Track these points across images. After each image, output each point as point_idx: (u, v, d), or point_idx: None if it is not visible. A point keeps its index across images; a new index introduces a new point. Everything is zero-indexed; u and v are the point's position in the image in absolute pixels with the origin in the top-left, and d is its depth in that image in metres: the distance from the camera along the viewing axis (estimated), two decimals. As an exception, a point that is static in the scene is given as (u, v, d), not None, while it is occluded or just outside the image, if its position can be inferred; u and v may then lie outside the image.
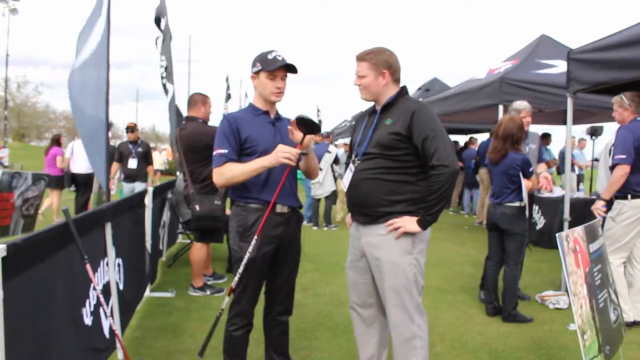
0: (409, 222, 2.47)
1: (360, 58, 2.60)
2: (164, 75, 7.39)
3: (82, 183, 8.65)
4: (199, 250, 4.81)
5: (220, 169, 2.61)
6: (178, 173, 6.12)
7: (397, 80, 2.62)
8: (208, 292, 4.80)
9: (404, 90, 2.63)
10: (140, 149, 8.06)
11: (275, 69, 2.62)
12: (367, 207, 2.57)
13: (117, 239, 3.45)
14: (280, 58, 2.64)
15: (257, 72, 2.67)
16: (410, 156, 2.49)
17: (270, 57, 2.64)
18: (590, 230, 2.77)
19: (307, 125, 2.51)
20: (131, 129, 8.21)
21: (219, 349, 3.05)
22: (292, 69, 2.68)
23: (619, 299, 3.05)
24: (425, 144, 2.42)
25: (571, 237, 2.50)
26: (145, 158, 8.15)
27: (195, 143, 4.57)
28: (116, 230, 3.32)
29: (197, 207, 4.49)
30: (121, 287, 3.50)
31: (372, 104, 2.72)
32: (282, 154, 2.47)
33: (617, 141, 4.05)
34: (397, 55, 2.63)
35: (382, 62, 2.56)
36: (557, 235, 2.42)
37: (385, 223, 2.51)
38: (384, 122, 2.55)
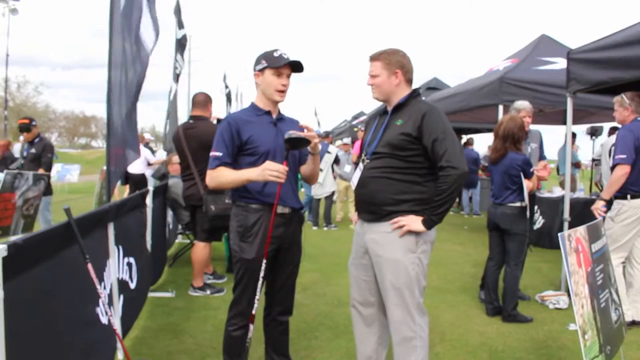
0: (414, 221, 2.48)
1: (374, 58, 2.63)
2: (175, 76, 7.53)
3: (136, 182, 8.99)
4: (202, 250, 4.81)
5: (212, 172, 2.64)
6: (170, 177, 6.09)
7: (409, 81, 2.64)
8: (208, 292, 4.80)
9: (415, 92, 2.65)
10: (33, 150, 6.29)
11: (281, 66, 2.64)
12: (374, 205, 2.58)
13: (127, 239, 3.46)
14: (285, 56, 2.66)
15: (262, 70, 2.67)
16: (419, 157, 2.51)
17: (276, 54, 2.66)
18: (593, 230, 2.77)
19: (292, 143, 2.54)
20: (25, 127, 6.32)
21: (218, 349, 3.06)
22: (297, 67, 2.70)
23: (620, 299, 3.05)
24: (435, 146, 2.44)
25: (573, 237, 2.50)
26: (38, 161, 6.26)
27: (209, 141, 4.54)
28: (126, 230, 3.33)
29: (213, 207, 4.49)
30: (132, 286, 3.51)
31: (382, 105, 2.75)
32: (270, 172, 2.48)
33: (618, 141, 4.06)
34: (409, 57, 2.65)
35: (395, 62, 2.58)
36: (559, 234, 2.41)
37: (391, 221, 2.52)
38: (395, 123, 2.57)
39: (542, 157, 5.07)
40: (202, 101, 4.91)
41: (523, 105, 4.72)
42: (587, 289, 2.49)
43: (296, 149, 2.63)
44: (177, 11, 7.67)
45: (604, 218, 4.05)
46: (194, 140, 4.69)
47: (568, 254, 2.40)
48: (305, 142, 2.56)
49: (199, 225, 4.81)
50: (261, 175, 2.51)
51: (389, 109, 2.67)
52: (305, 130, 2.60)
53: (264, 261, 2.61)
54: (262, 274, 2.62)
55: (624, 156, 3.93)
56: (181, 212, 5.69)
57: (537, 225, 7.66)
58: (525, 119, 4.60)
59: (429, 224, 2.48)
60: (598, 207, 4.04)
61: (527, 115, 4.65)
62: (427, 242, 2.57)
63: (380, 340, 2.78)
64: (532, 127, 4.97)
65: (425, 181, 2.54)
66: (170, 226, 6.45)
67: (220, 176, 2.61)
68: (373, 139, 2.66)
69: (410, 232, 2.50)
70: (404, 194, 2.52)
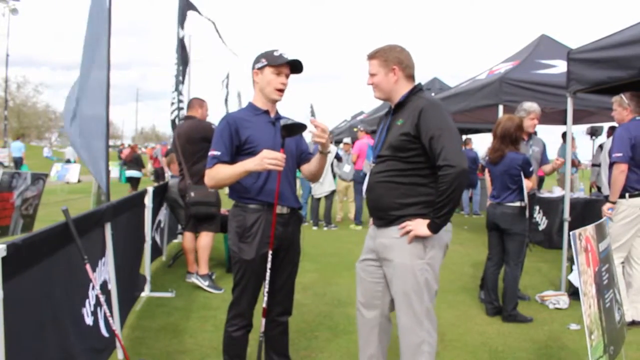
0: (420, 226, 2.39)
1: (371, 56, 2.56)
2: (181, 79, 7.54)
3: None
4: (206, 236, 5.03)
5: (210, 171, 2.62)
6: (170, 177, 6.15)
7: (409, 76, 2.55)
8: (206, 283, 4.89)
9: (416, 88, 2.54)
10: None
11: (281, 64, 2.64)
12: (381, 210, 2.53)
13: (124, 238, 3.44)
14: (285, 56, 2.66)
15: (261, 68, 2.66)
16: (421, 157, 2.42)
17: (276, 54, 2.66)
18: (599, 229, 2.75)
19: (288, 129, 2.51)
20: None
21: (218, 349, 3.05)
22: (296, 68, 2.70)
23: (622, 299, 3.04)
24: (432, 144, 2.34)
25: (583, 236, 2.46)
26: None
27: (193, 135, 4.93)
28: (123, 230, 3.32)
29: (192, 194, 4.84)
30: (125, 286, 3.50)
31: (379, 104, 2.70)
32: (269, 160, 2.44)
33: (614, 140, 4.09)
34: (409, 52, 2.56)
35: (392, 58, 2.51)
36: (570, 233, 2.36)
37: (399, 226, 2.46)
38: (396, 123, 2.50)
39: (544, 161, 5.07)
40: (193, 104, 5.35)
41: (533, 107, 4.74)
42: (594, 289, 2.46)
43: (292, 136, 2.59)
44: (185, 7, 7.47)
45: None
46: (182, 137, 5.03)
47: (579, 252, 2.35)
48: (301, 127, 2.53)
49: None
50: (259, 165, 2.46)
51: (393, 108, 2.61)
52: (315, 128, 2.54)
53: (270, 252, 2.59)
54: (269, 265, 2.61)
55: (620, 154, 3.96)
56: (180, 212, 5.69)
57: (542, 227, 7.62)
58: (533, 121, 4.70)
59: (434, 228, 2.38)
60: (605, 208, 4.08)
61: (536, 118, 4.74)
62: (435, 247, 2.47)
63: (383, 343, 2.76)
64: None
65: (429, 182, 2.44)
66: (162, 224, 6.40)
67: (218, 173, 2.58)
68: (378, 141, 2.61)
69: (418, 238, 2.41)
70: (408, 197, 2.45)
